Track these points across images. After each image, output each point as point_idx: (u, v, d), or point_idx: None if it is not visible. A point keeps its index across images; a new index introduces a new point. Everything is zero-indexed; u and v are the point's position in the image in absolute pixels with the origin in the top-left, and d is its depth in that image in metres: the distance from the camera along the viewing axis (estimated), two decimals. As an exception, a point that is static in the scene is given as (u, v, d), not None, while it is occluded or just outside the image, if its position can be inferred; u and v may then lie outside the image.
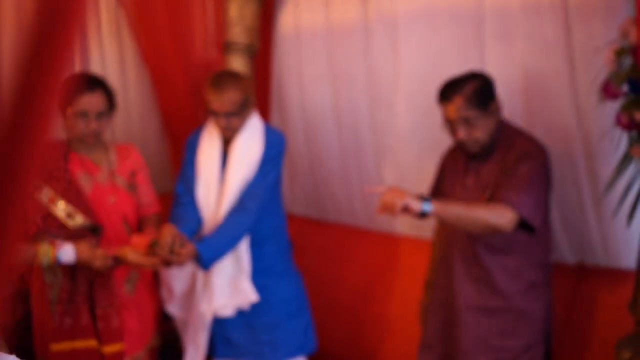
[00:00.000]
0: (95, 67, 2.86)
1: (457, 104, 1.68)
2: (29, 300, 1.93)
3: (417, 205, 1.56)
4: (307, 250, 2.97)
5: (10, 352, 2.06)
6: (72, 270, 1.79)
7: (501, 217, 1.59)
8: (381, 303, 2.59)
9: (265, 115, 3.00)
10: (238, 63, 2.50)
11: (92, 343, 1.79)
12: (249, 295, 1.98)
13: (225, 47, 2.50)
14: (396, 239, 2.56)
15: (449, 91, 1.72)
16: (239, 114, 1.94)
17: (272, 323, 2.09)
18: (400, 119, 2.38)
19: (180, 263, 1.75)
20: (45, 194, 1.76)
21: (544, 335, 1.77)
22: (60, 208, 1.76)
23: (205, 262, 1.80)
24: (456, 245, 1.81)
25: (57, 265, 1.68)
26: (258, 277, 2.05)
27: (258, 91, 2.97)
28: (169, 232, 1.73)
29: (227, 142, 2.04)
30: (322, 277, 2.86)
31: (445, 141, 1.93)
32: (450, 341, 1.85)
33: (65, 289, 1.78)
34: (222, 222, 1.92)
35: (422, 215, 1.59)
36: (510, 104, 1.92)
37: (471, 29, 2.08)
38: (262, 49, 2.88)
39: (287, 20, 2.82)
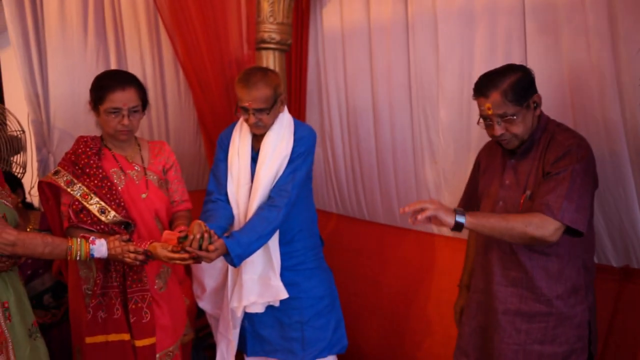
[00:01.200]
0: (134, 67, 2.94)
1: (494, 99, 1.61)
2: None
3: (449, 218, 1.53)
4: (343, 249, 2.96)
5: (50, 343, 2.13)
6: (106, 265, 1.83)
7: (541, 227, 1.51)
8: (419, 304, 2.54)
9: (300, 111, 3.01)
10: (270, 60, 2.51)
11: (125, 337, 1.82)
12: (278, 292, 1.97)
13: (258, 44, 2.50)
14: (434, 238, 2.50)
15: (484, 86, 1.64)
16: (268, 110, 1.93)
17: (301, 320, 2.07)
18: (440, 116, 2.33)
19: (209, 259, 1.75)
20: (78, 190, 1.81)
21: (587, 342, 1.67)
22: (94, 203, 1.80)
23: (234, 258, 1.80)
24: (494, 246, 1.74)
25: (90, 260, 1.71)
26: (288, 274, 2.04)
27: (293, 88, 2.98)
28: (198, 228, 1.73)
29: (257, 139, 2.03)
30: (358, 276, 2.85)
31: (486, 137, 1.86)
32: (487, 347, 1.78)
33: (99, 283, 1.82)
34: (251, 218, 1.91)
35: (456, 227, 1.54)
36: (552, 98, 1.84)
37: (513, 22, 2.01)
38: (296, 45, 2.89)
39: (326, 18, 2.83)
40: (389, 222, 2.74)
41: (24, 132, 2.99)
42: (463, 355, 1.86)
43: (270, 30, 2.49)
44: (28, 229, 2.53)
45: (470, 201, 1.93)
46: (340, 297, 2.81)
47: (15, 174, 2.94)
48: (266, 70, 1.99)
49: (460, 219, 1.54)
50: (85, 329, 1.81)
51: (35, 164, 2.87)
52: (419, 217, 1.53)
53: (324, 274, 2.17)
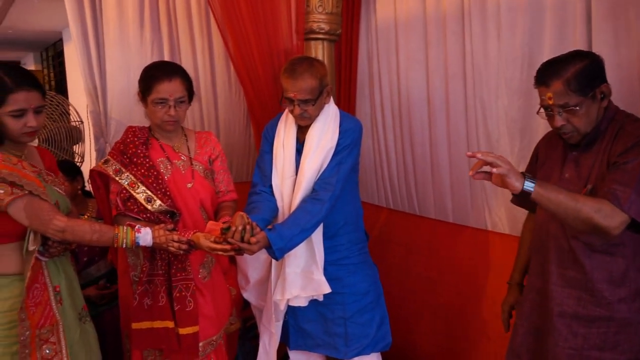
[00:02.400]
0: (187, 60, 3.00)
1: (555, 88, 1.49)
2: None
3: (517, 183, 1.39)
4: (394, 244, 2.91)
5: (104, 327, 2.21)
6: (152, 253, 1.86)
7: (610, 217, 1.39)
8: (473, 302, 2.46)
9: (350, 103, 2.97)
10: (319, 50, 2.48)
11: (169, 324, 1.85)
12: (321, 286, 1.94)
13: (307, 34, 2.48)
14: (488, 235, 2.40)
15: (546, 74, 1.53)
16: (314, 102, 1.90)
17: (345, 316, 2.04)
18: (499, 107, 2.23)
19: (250, 251, 1.75)
20: (126, 179, 1.85)
21: (652, 351, 1.54)
22: (140, 192, 1.84)
23: (275, 251, 1.79)
24: (551, 243, 1.63)
25: (137, 248, 1.75)
26: (331, 269, 2.01)
27: (342, 79, 2.94)
28: (240, 220, 1.73)
29: (302, 130, 2.01)
30: (410, 272, 2.79)
31: (547, 128, 1.75)
32: (541, 349, 1.68)
33: (145, 270, 1.86)
34: (294, 211, 1.89)
35: (522, 194, 1.41)
36: (621, 87, 1.70)
37: (578, 6, 1.87)
38: (346, 35, 2.84)
39: (379, 7, 2.78)
40: (441, 217, 2.65)
41: (82, 122, 3.12)
42: (515, 357, 1.77)
43: (319, 20, 2.46)
44: (85, 216, 2.63)
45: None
46: (392, 293, 2.76)
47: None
48: (312, 60, 1.96)
49: (529, 186, 1.41)
50: (132, 315, 1.86)
51: (94, 154, 2.99)
52: (493, 170, 1.40)
53: (369, 270, 2.12)
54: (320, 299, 2.01)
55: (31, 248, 1.61)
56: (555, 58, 1.56)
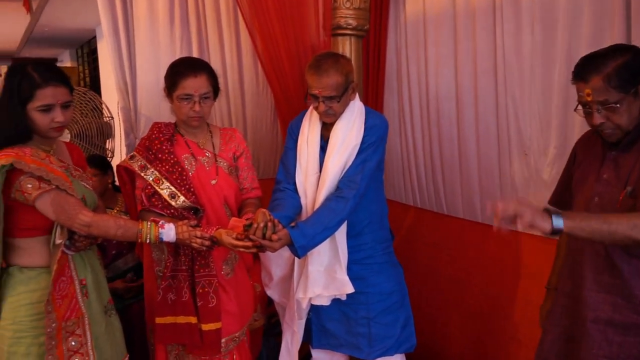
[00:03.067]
0: (215, 57, 3.01)
1: (594, 85, 1.42)
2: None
3: (545, 224, 1.34)
4: (421, 243, 2.87)
5: (131, 320, 2.24)
6: (176, 249, 1.88)
7: None
8: (503, 305, 2.40)
9: (377, 99, 2.94)
10: (346, 46, 2.45)
11: (192, 319, 1.86)
12: (344, 286, 1.92)
13: (334, 30, 2.45)
14: (519, 236, 2.34)
15: (585, 69, 1.46)
16: (339, 98, 1.88)
17: (368, 316, 2.01)
18: (530, 104, 2.16)
19: (272, 248, 1.74)
20: (151, 174, 1.87)
21: (692, 363, 1.46)
22: (165, 188, 1.85)
23: (298, 249, 1.77)
24: (587, 247, 1.57)
25: (161, 243, 1.76)
26: (355, 268, 1.99)
27: (370, 75, 2.91)
28: (262, 217, 1.73)
29: (327, 127, 1.99)
30: (437, 272, 2.75)
31: (584, 126, 1.68)
32: (572, 356, 1.61)
33: (169, 266, 1.87)
34: (318, 209, 1.87)
35: (554, 234, 1.37)
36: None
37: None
38: (374, 31, 2.81)
39: (408, 2, 2.73)
40: (469, 217, 2.60)
41: (112, 118, 3.18)
42: None
43: (347, 15, 2.43)
44: (114, 211, 2.68)
45: (563, 196, 1.76)
46: (419, 293, 2.72)
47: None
48: (337, 57, 1.93)
49: (558, 224, 1.36)
50: (156, 310, 1.87)
51: (124, 149, 3.04)
52: (518, 224, 1.36)
53: (394, 269, 2.09)
54: (344, 298, 1.99)
55: (58, 242, 1.63)
56: (594, 52, 1.49)
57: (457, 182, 2.61)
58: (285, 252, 1.99)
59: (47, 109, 1.62)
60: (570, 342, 1.62)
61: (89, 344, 1.69)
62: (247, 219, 1.80)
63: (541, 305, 1.88)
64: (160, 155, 1.89)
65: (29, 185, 1.58)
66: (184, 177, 1.87)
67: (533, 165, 2.20)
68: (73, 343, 1.66)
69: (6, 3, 7.14)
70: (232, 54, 3.01)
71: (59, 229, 1.63)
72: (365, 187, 1.89)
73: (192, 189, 1.87)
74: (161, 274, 1.91)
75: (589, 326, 1.54)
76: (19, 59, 10.39)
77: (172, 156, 1.89)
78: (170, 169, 1.87)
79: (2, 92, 1.65)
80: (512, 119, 2.25)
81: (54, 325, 1.62)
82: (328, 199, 1.88)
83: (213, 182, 1.95)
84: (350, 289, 1.92)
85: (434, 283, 2.76)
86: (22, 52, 10.09)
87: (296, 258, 1.98)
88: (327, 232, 1.83)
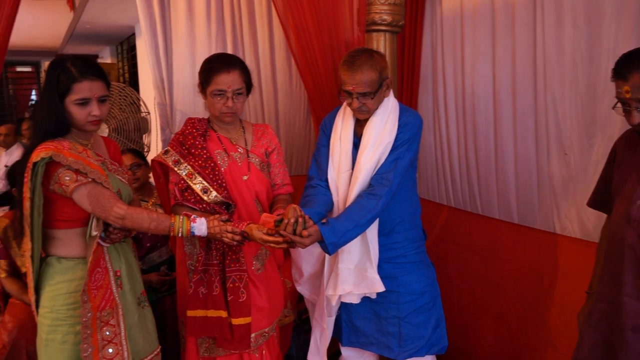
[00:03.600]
0: (249, 52, 3.03)
1: (634, 82, 1.37)
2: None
3: None
4: (454, 243, 2.82)
5: (164, 312, 2.28)
6: (208, 243, 1.90)
7: None
8: (539, 309, 2.34)
9: (412, 96, 2.90)
10: (381, 42, 2.42)
11: (222, 313, 1.87)
12: (375, 284, 1.91)
13: (368, 26, 2.43)
14: (557, 239, 2.27)
15: (624, 66, 1.41)
16: (373, 95, 1.86)
17: (399, 316, 1.99)
18: (570, 102, 2.10)
19: (302, 245, 1.74)
20: (184, 169, 1.89)
21: None
22: (197, 183, 1.87)
23: (328, 246, 1.76)
24: (626, 251, 1.50)
25: (193, 237, 1.78)
26: (387, 267, 1.97)
27: (405, 71, 2.87)
28: (292, 213, 1.72)
29: (360, 124, 1.97)
30: (471, 273, 2.70)
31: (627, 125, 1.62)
32: (610, 366, 1.55)
33: (201, 260, 1.89)
34: (349, 206, 1.86)
35: None
36: None
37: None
38: (410, 27, 2.77)
39: (445, 2, 2.68)
40: (505, 217, 2.54)
41: (149, 113, 3.24)
42: None
43: (382, 11, 2.40)
44: (150, 203, 2.73)
45: (603, 197, 1.69)
46: (452, 294, 2.68)
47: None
48: (372, 52, 1.91)
49: None
50: (188, 303, 1.90)
51: (159, 144, 3.09)
52: None
53: (426, 269, 2.06)
54: (374, 296, 1.98)
55: (94, 233, 1.67)
56: (635, 49, 1.43)
57: (493, 181, 2.56)
58: (316, 249, 1.99)
59: (84, 102, 1.66)
60: (609, 351, 1.56)
61: (122, 334, 1.73)
62: (278, 215, 1.80)
63: (580, 309, 1.83)
64: (193, 151, 1.91)
65: (67, 178, 1.62)
66: (216, 173, 1.89)
67: (573, 166, 2.13)
68: (107, 333, 1.70)
69: (51, 0, 7.37)
70: (265, 50, 3.02)
71: (94, 221, 1.67)
72: (397, 184, 1.87)
73: (224, 184, 1.89)
74: (193, 268, 1.93)
75: (627, 335, 1.48)
76: (61, 54, 10.72)
77: (205, 151, 1.91)
78: (203, 164, 1.89)
79: (43, 87, 1.70)
80: (552, 117, 2.18)
81: (89, 314, 1.66)
82: (360, 196, 1.87)
83: (245, 177, 1.96)
84: (380, 287, 1.90)
85: (467, 284, 2.71)
86: (65, 48, 10.40)
87: (327, 255, 1.97)
88: (358, 229, 1.82)
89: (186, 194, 1.87)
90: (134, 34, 8.03)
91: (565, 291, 2.21)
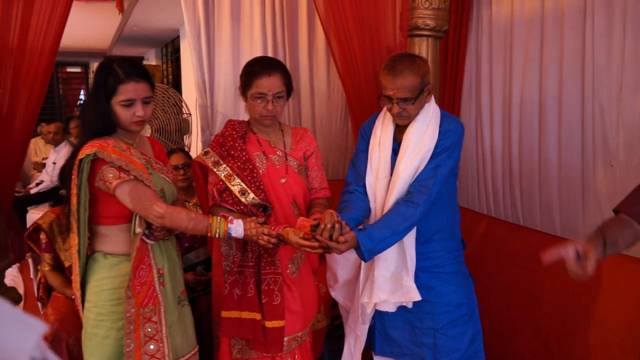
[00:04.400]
0: (290, 56, 3.05)
1: None
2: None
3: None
4: (494, 254, 2.76)
5: (199, 312, 2.31)
6: (244, 245, 1.91)
7: None
8: (579, 326, 2.26)
9: (455, 103, 2.86)
10: (423, 47, 2.39)
11: (256, 316, 1.88)
12: (411, 293, 1.87)
13: (411, 31, 2.41)
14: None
15: None
16: (413, 100, 1.83)
17: (434, 327, 1.95)
18: (618, 112, 2.02)
19: (338, 250, 1.73)
20: (223, 170, 1.91)
21: None
22: (235, 184, 1.89)
23: (364, 253, 1.74)
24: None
25: (229, 238, 1.80)
26: (423, 276, 1.94)
27: (447, 77, 2.83)
28: (329, 218, 1.71)
29: (400, 130, 1.95)
30: (510, 286, 2.64)
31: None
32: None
33: (236, 261, 1.91)
34: (387, 213, 1.83)
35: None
36: None
37: None
38: (454, 32, 2.73)
39: (494, 2, 2.63)
40: (547, 230, 2.47)
41: (190, 115, 3.30)
42: None
43: (425, 16, 2.37)
44: (191, 203, 2.78)
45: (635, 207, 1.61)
46: (490, 307, 2.61)
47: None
48: (414, 57, 1.89)
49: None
50: (222, 304, 1.91)
51: (199, 145, 3.14)
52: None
53: (463, 280, 2.01)
54: (410, 306, 1.94)
55: (137, 230, 1.71)
56: None
57: (536, 192, 2.49)
58: (352, 255, 1.97)
59: (129, 103, 1.71)
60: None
61: (163, 331, 1.75)
62: (314, 219, 1.79)
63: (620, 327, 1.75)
64: (232, 152, 1.93)
65: (110, 175, 1.66)
66: (255, 175, 1.90)
67: (619, 178, 2.05)
68: (149, 329, 1.73)
69: (102, 3, 7.64)
70: (304, 53, 3.04)
71: (138, 218, 1.71)
72: (436, 192, 1.83)
73: (262, 187, 1.90)
74: (229, 269, 1.95)
75: None
76: (109, 56, 11.08)
77: (244, 153, 1.93)
78: (242, 166, 1.90)
79: (91, 87, 1.76)
80: (599, 127, 2.11)
81: (133, 310, 1.70)
82: (398, 203, 1.84)
83: (282, 180, 1.97)
84: (417, 296, 1.87)
85: (505, 297, 2.64)
86: (112, 50, 10.75)
87: (362, 262, 1.95)
88: (395, 237, 1.79)
89: (224, 195, 1.89)
90: (178, 37, 8.23)
91: (607, 309, 2.13)
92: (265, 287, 1.88)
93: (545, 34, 2.35)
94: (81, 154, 1.65)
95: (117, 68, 1.70)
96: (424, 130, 1.88)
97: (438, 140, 1.86)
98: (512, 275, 2.63)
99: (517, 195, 2.61)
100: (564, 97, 2.27)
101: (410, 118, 1.89)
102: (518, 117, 2.55)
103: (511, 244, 2.67)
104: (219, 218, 1.74)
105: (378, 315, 2.04)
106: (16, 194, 4.96)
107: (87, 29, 8.87)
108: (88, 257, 1.79)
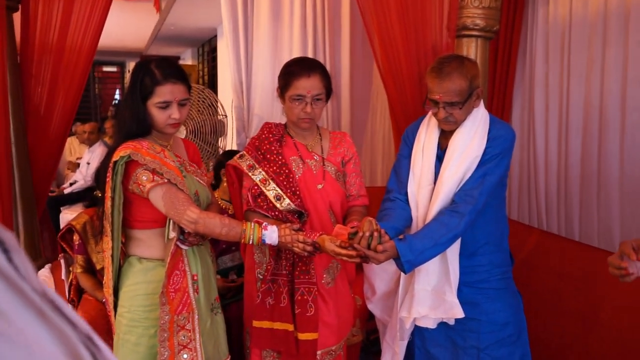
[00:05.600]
0: (331, 56, 3.07)
1: None
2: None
3: None
4: (545, 272, 2.69)
5: (229, 319, 2.34)
6: (278, 252, 1.93)
7: None
8: (638, 357, 2.16)
9: (504, 108, 2.81)
10: (472, 48, 2.37)
11: (289, 327, 1.89)
12: (453, 310, 1.85)
13: (459, 31, 2.38)
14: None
15: None
16: (461, 105, 1.82)
17: (478, 346, 1.91)
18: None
19: (377, 260, 1.72)
20: (258, 174, 1.93)
21: None
22: (271, 189, 1.91)
23: (404, 264, 1.73)
24: None
25: (263, 245, 1.82)
26: (467, 292, 1.91)
27: (497, 81, 2.79)
28: (368, 226, 1.71)
29: (446, 136, 1.93)
30: (562, 308, 2.56)
31: None
32: None
33: (269, 269, 1.92)
34: (429, 223, 1.82)
35: None
36: None
37: None
38: (505, 32, 2.69)
39: (551, 3, 2.58)
40: (606, 247, 2.40)
41: (226, 116, 3.36)
42: None
43: (475, 15, 2.35)
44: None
45: None
46: (536, 328, 2.54)
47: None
48: (463, 59, 1.87)
49: None
50: (254, 313, 1.93)
51: (235, 147, 3.19)
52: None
53: (511, 298, 1.97)
54: (451, 322, 1.92)
55: (171, 235, 1.74)
56: None
57: (594, 205, 2.42)
58: (391, 266, 1.96)
59: (165, 105, 1.74)
60: None
61: (197, 339, 1.77)
62: (352, 227, 1.79)
63: None
64: (268, 156, 1.95)
65: (144, 178, 1.70)
66: (291, 180, 1.92)
67: None
68: (183, 337, 1.75)
69: (140, 3, 7.88)
70: (345, 54, 3.06)
71: (172, 223, 1.74)
72: (483, 203, 1.81)
73: (297, 192, 1.91)
74: (261, 277, 1.97)
75: None
76: (146, 56, 11.41)
77: (280, 157, 1.95)
78: (278, 170, 1.92)
79: (127, 88, 1.80)
80: None
81: (167, 317, 1.73)
82: (441, 213, 1.83)
83: (319, 186, 1.98)
84: (459, 313, 1.84)
85: (557, 319, 2.57)
86: (149, 49, 11.06)
87: (402, 273, 1.94)
88: (438, 248, 1.77)
89: (259, 200, 1.92)
90: (215, 36, 8.40)
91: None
92: (299, 297, 1.89)
93: (608, 34, 2.28)
94: (115, 156, 1.70)
95: (154, 69, 1.73)
96: (472, 137, 1.86)
97: (486, 147, 1.84)
98: (565, 295, 2.55)
99: (572, 208, 2.54)
100: (628, 103, 2.20)
101: (457, 123, 1.88)
102: (576, 124, 2.49)
103: (565, 260, 2.60)
104: (252, 224, 1.76)
105: (418, 331, 2.02)
106: (50, 194, 5.15)
107: (124, 28, 9.17)
108: (124, 261, 1.83)
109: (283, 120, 2.10)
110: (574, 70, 2.49)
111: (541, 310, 2.62)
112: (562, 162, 2.59)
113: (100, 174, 1.81)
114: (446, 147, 1.91)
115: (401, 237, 1.79)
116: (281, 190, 1.90)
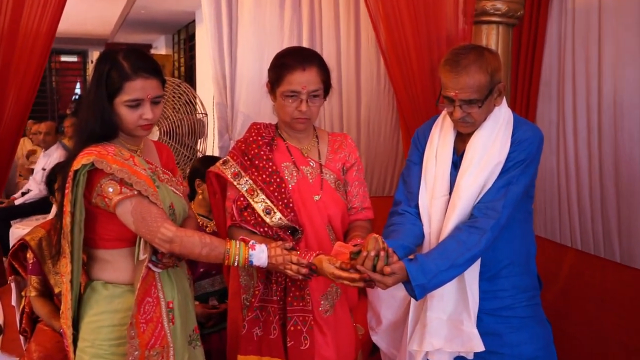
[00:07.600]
0: (329, 45, 3.09)
1: None
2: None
3: None
4: (582, 297, 2.73)
5: (210, 351, 2.33)
6: (267, 275, 1.93)
7: None
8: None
9: (529, 106, 2.84)
10: (492, 36, 2.39)
11: (279, 362, 1.90)
12: (472, 341, 1.86)
13: (477, 16, 2.41)
14: None
15: None
16: (480, 103, 1.84)
17: (502, 385, 1.92)
18: None
19: (383, 284, 1.73)
20: (245, 184, 1.93)
21: None
22: (259, 201, 1.91)
23: (415, 288, 1.74)
24: None
25: (250, 267, 1.82)
26: (488, 320, 1.92)
27: (520, 74, 2.82)
28: (373, 244, 1.72)
29: (463, 139, 1.95)
30: (599, 336, 2.59)
31: None
32: None
33: (257, 294, 1.93)
34: (444, 241, 1.83)
35: None
36: None
37: None
38: (530, 18, 2.72)
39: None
40: None
41: (206, 115, 3.37)
42: None
43: (496, -3, 2.38)
44: (214, 225, 2.81)
45: None
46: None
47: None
48: (482, 50, 1.89)
49: None
50: (239, 345, 1.94)
51: (216, 151, 3.19)
52: None
53: (540, 328, 1.98)
54: (470, 357, 1.92)
55: (142, 257, 1.72)
56: None
57: (637, 220, 2.43)
58: (400, 291, 1.97)
59: (136, 104, 1.73)
60: None
61: None
62: (354, 245, 1.80)
63: None
64: (257, 162, 1.95)
65: (110, 190, 1.68)
66: (283, 190, 1.92)
67: None
68: None
69: (104, -18, 7.90)
70: (349, 44, 3.07)
71: (143, 242, 1.72)
72: (507, 217, 1.82)
73: (290, 205, 1.92)
74: (248, 304, 1.97)
75: None
76: (112, 44, 11.43)
77: (270, 164, 1.95)
78: (267, 179, 1.93)
79: (90, 82, 1.78)
80: None
81: (136, 353, 1.71)
82: (458, 229, 1.84)
83: (316, 197, 1.98)
84: (480, 346, 1.85)
85: (596, 350, 2.59)
86: (115, 37, 11.07)
87: (412, 300, 1.95)
88: (455, 270, 1.78)
89: (245, 213, 1.92)
90: (193, 22, 8.43)
91: None
92: (292, 328, 1.90)
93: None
94: (76, 164, 1.67)
95: (123, 60, 1.72)
96: (493, 140, 1.88)
97: (510, 152, 1.85)
98: (606, 324, 2.57)
99: (612, 224, 2.57)
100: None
101: (476, 125, 1.89)
102: (612, 125, 2.51)
103: (604, 284, 2.62)
104: (238, 243, 1.76)
105: (430, 366, 2.03)
106: (-2, 205, 5.13)
107: (87, 11, 9.16)
108: (86, 286, 1.81)
109: (273, 120, 2.11)
110: (605, 62, 2.53)
111: (578, 341, 2.63)
112: (596, 169, 2.62)
113: (51, 179, 1.79)
114: (463, 152, 1.93)
115: (412, 257, 1.80)
116: (271, 202, 1.90)
